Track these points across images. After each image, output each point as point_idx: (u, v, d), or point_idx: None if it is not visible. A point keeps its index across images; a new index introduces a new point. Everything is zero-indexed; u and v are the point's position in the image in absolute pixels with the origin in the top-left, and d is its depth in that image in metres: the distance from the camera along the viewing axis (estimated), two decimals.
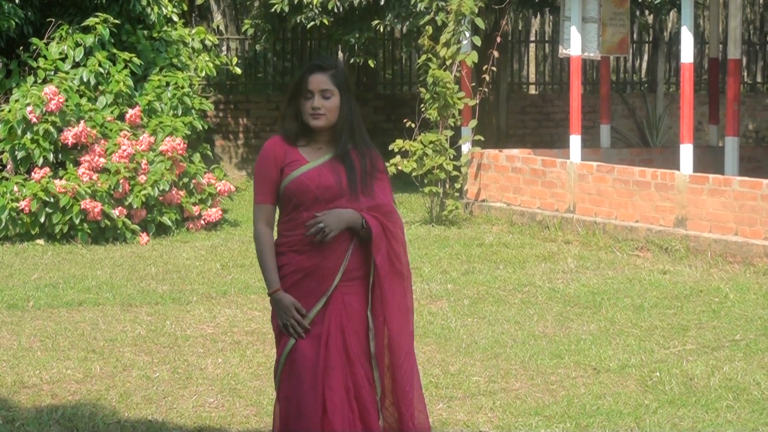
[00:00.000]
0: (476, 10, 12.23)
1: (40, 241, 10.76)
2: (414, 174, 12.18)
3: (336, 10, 14.40)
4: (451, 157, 12.29)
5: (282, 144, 4.36)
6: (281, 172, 4.34)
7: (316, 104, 4.30)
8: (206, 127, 12.65)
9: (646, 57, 20.44)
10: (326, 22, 14.52)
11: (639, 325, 7.74)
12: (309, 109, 4.31)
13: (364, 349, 4.32)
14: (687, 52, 10.98)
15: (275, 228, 4.42)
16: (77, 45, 11.92)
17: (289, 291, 4.31)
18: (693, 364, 6.79)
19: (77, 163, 11.20)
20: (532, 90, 19.81)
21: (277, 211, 4.44)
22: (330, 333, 4.27)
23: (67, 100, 11.24)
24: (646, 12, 19.47)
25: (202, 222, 11.64)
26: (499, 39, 12.93)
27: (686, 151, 10.83)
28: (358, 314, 4.31)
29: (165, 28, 12.84)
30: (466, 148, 12.72)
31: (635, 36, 19.46)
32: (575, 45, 12.09)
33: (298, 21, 14.59)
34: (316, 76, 4.31)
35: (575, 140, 11.93)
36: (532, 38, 20.44)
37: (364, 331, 4.33)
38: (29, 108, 11.07)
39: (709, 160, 12.77)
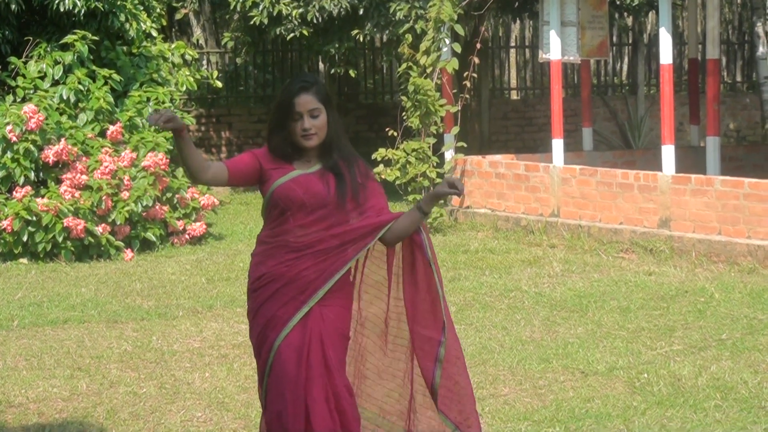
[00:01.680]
0: (455, 17, 12.26)
1: (24, 260, 10.72)
2: (398, 182, 12.19)
3: (315, 21, 14.42)
4: (435, 164, 12.31)
5: (271, 153, 4.37)
6: (260, 172, 4.34)
7: (306, 125, 4.29)
8: None
9: (626, 59, 20.51)
10: (306, 33, 14.53)
11: (626, 327, 7.75)
12: (300, 131, 4.30)
13: (340, 360, 4.34)
14: (666, 54, 11.02)
15: (259, 237, 4.43)
16: (56, 63, 11.90)
17: (269, 300, 4.31)
18: (680, 364, 6.80)
19: (59, 181, 11.17)
20: (514, 95, 19.86)
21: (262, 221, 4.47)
22: (311, 344, 4.28)
23: (47, 118, 11.21)
24: (625, 14, 19.54)
25: (187, 236, 11.61)
26: (479, 45, 12.97)
27: (668, 152, 10.86)
28: (334, 325, 4.33)
29: (144, 43, 12.83)
30: (449, 155, 12.74)
31: (615, 39, 19.54)
32: (555, 49, 12.13)
33: (278, 33, 14.61)
34: (302, 97, 4.29)
35: (558, 144, 11.96)
36: (513, 43, 20.50)
37: (341, 343, 4.35)
38: (9, 127, 11.03)
39: (691, 160, 12.82)
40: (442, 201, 12.47)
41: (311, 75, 4.51)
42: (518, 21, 20.84)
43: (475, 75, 13.07)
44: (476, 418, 4.56)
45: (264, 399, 4.36)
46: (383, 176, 12.08)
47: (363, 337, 4.57)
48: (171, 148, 11.93)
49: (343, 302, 4.37)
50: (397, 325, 4.55)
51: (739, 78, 20.75)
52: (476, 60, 12.74)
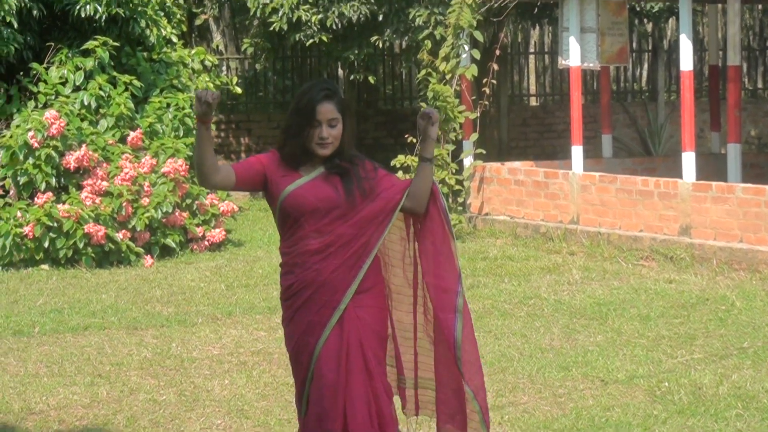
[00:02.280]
0: (474, 24, 12.25)
1: (45, 266, 10.77)
2: None
3: (335, 27, 14.44)
4: (454, 171, 12.30)
5: (278, 157, 4.37)
6: (265, 179, 4.33)
7: (324, 134, 4.29)
8: None
9: (646, 66, 20.46)
10: (325, 39, 14.55)
11: (646, 335, 7.73)
12: (316, 138, 4.30)
13: (380, 362, 4.34)
14: (687, 60, 10.99)
15: (280, 249, 4.43)
16: (77, 69, 11.95)
17: (302, 308, 4.31)
18: (701, 373, 6.77)
19: (80, 187, 11.21)
20: (533, 102, 19.83)
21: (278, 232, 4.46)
22: (350, 347, 4.29)
23: (68, 124, 11.26)
24: (645, 20, 19.51)
25: (206, 243, 11.64)
26: (498, 51, 12.96)
27: (689, 159, 10.82)
28: (371, 327, 4.33)
29: (165, 49, 12.88)
30: (468, 161, 12.73)
31: (634, 45, 19.49)
32: (574, 55, 12.11)
33: (297, 39, 14.63)
34: (324, 106, 4.28)
35: (577, 151, 11.94)
36: (532, 50, 20.48)
37: (379, 345, 4.35)
38: (31, 133, 11.09)
39: (711, 167, 12.77)
40: (461, 208, 12.47)
41: (332, 82, 4.51)
42: (537, 27, 20.82)
43: (494, 81, 13.05)
44: (484, 393, 4.52)
45: (304, 403, 4.35)
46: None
47: (397, 312, 4.56)
48: (191, 154, 11.97)
49: (376, 302, 4.36)
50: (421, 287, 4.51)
51: (760, 84, 20.66)
52: (495, 66, 12.73)
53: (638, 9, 18.73)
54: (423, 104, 12.43)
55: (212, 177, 4.26)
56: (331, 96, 4.31)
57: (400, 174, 12.15)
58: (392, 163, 12.11)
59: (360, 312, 4.31)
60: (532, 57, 20.35)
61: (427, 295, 4.48)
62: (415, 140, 12.34)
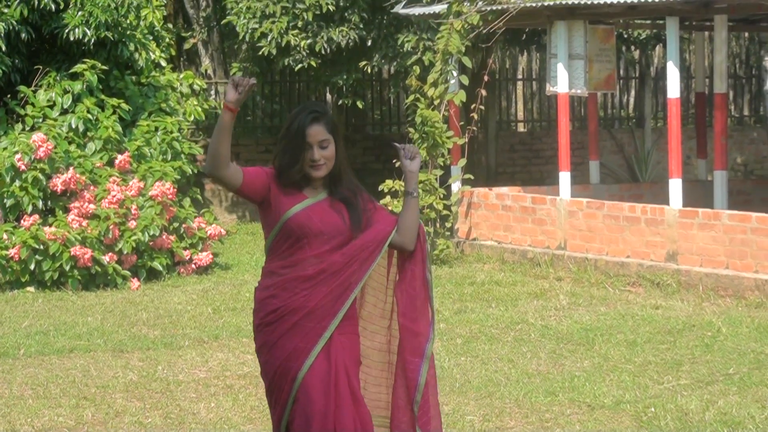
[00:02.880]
0: (463, 50, 12.32)
1: (31, 289, 10.75)
2: None
3: (323, 52, 14.49)
4: (441, 196, 12.33)
5: (277, 176, 4.36)
6: (268, 194, 4.32)
7: (315, 156, 4.31)
8: (196, 171, 12.67)
9: (633, 92, 20.58)
10: (314, 64, 14.60)
11: (633, 361, 7.74)
12: (308, 161, 4.31)
13: (361, 388, 4.34)
14: (673, 87, 11.06)
15: (263, 265, 4.42)
16: (65, 92, 11.97)
17: (288, 333, 4.28)
18: (687, 398, 6.79)
19: (67, 210, 11.21)
20: (521, 128, 19.90)
21: (265, 253, 4.44)
22: (338, 373, 4.28)
23: (55, 147, 11.27)
24: (632, 47, 19.63)
25: (193, 266, 11.64)
26: (486, 78, 13.01)
27: (675, 186, 10.88)
28: (351, 353, 4.34)
29: (153, 73, 12.90)
30: (455, 186, 12.76)
31: (622, 72, 19.61)
32: (562, 82, 12.18)
33: (286, 63, 14.68)
34: (314, 128, 4.30)
35: (565, 177, 11.98)
36: (520, 76, 20.56)
37: (358, 369, 4.36)
38: (18, 156, 11.09)
39: (698, 194, 12.83)
40: (448, 233, 12.48)
41: (320, 104, 4.53)
42: (525, 53, 20.93)
43: (482, 107, 13.10)
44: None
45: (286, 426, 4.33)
46: (390, 207, 12.09)
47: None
48: (178, 177, 11.98)
49: (354, 329, 4.38)
50: (389, 323, 4.51)
51: (746, 112, 20.79)
52: (483, 92, 12.78)
53: (626, 36, 18.85)
54: (411, 129, 12.47)
55: (222, 169, 4.21)
56: (320, 117, 4.33)
57: (387, 199, 12.19)
58: (380, 187, 12.14)
59: (343, 338, 4.32)
60: (520, 83, 20.43)
61: (395, 335, 4.48)
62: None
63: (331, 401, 4.24)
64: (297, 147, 4.30)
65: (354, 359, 4.34)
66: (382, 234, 4.38)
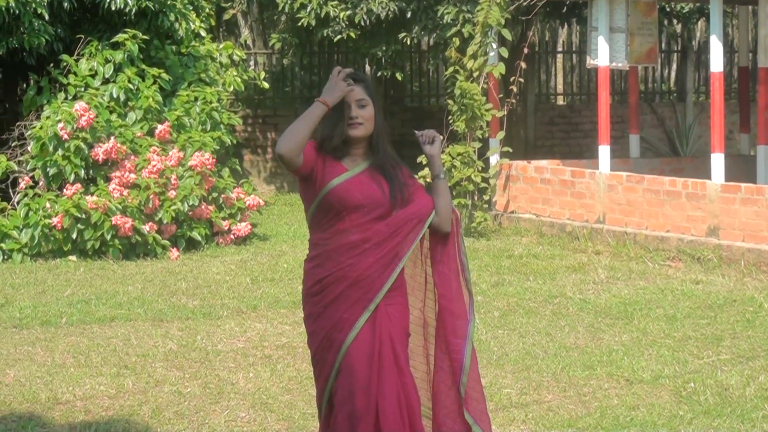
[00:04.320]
0: (503, 22, 12.22)
1: (73, 258, 10.83)
2: None
3: (362, 24, 14.43)
4: (480, 168, 12.28)
5: (319, 147, 4.35)
6: (314, 166, 4.30)
7: (353, 113, 4.31)
8: (235, 141, 12.69)
9: (674, 66, 20.35)
10: (353, 36, 14.55)
11: (672, 336, 7.69)
12: (346, 119, 4.31)
13: (407, 358, 4.33)
14: (717, 61, 10.92)
15: (311, 241, 4.41)
16: (107, 61, 12.00)
17: (333, 303, 4.28)
18: (728, 374, 6.73)
19: (108, 179, 11.26)
20: (560, 101, 19.77)
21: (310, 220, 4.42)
22: (382, 343, 4.27)
23: (97, 117, 11.31)
24: (675, 21, 19.39)
25: (232, 236, 11.67)
26: (526, 50, 12.91)
27: (717, 161, 10.76)
28: (399, 323, 4.32)
29: (193, 43, 12.90)
30: (494, 159, 12.70)
31: (663, 45, 19.39)
32: (603, 55, 12.06)
33: (325, 35, 14.64)
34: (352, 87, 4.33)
35: (604, 150, 11.89)
36: (560, 49, 20.40)
37: (406, 340, 4.34)
38: (60, 125, 11.15)
39: (741, 169, 12.69)
40: (486, 205, 12.43)
41: (360, 72, 4.52)
42: (566, 26, 20.75)
43: (521, 80, 13.01)
44: (488, 420, 4.50)
45: (326, 402, 4.33)
46: (428, 179, 12.05)
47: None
48: (217, 148, 12.00)
49: (402, 299, 4.36)
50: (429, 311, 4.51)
51: None
52: (523, 65, 12.69)
53: (668, 9, 18.62)
54: (450, 101, 12.41)
55: (297, 155, 4.21)
56: (357, 79, 4.35)
57: (426, 170, 12.14)
58: (418, 159, 12.10)
59: (390, 309, 4.31)
60: (559, 56, 20.27)
61: (430, 316, 4.46)
62: (441, 137, 12.32)
63: (374, 373, 4.23)
64: (336, 107, 4.30)
65: (401, 330, 4.32)
66: (425, 209, 4.38)
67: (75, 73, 11.98)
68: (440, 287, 4.43)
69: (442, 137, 4.46)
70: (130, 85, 11.83)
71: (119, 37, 11.98)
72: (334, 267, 4.29)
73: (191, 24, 12.87)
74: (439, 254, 4.45)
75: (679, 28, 19.92)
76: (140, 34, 12.02)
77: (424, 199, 4.39)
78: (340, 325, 4.28)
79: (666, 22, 18.76)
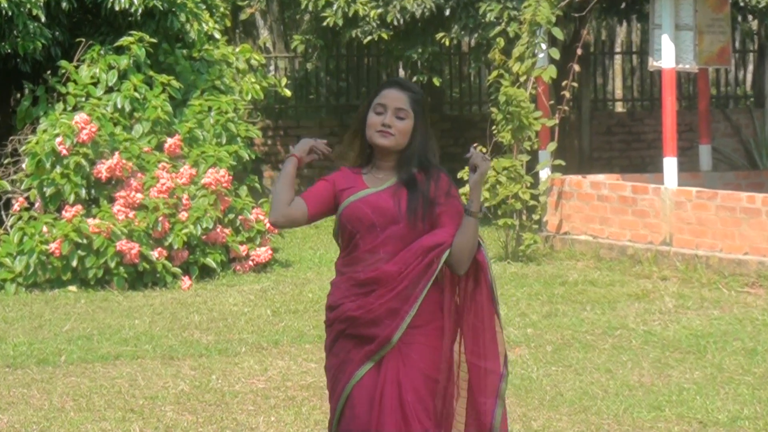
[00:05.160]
0: (553, 19, 12.21)
1: (73, 288, 10.88)
2: (486, 204, 12.16)
3: (396, 23, 14.47)
4: (528, 184, 12.26)
5: (351, 172, 4.40)
6: (335, 197, 4.37)
7: (387, 121, 4.31)
8: (254, 156, 12.75)
9: (750, 68, 20.24)
10: (385, 37, 14.59)
11: (752, 372, 7.63)
12: (377, 125, 4.31)
13: (424, 407, 4.27)
14: None
15: (335, 265, 4.45)
16: (110, 68, 12.09)
17: (341, 338, 4.32)
18: None
19: (112, 200, 11.33)
20: (619, 107, 19.72)
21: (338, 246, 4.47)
22: (385, 387, 4.26)
23: (99, 130, 11.39)
24: (750, 17, 19.29)
25: (251, 263, 11.69)
26: (579, 51, 12.90)
27: None
28: (417, 366, 4.29)
29: (206, 46, 12.99)
30: (544, 174, 12.68)
31: (737, 44, 19.31)
32: (668, 56, 12.02)
33: (354, 36, 14.69)
34: (392, 92, 4.34)
35: (670, 163, 11.84)
36: (618, 49, 20.37)
37: (425, 386, 4.29)
38: (58, 139, 11.23)
39: None
40: (536, 226, 12.39)
41: (413, 84, 4.52)
42: (625, 24, 20.70)
43: (575, 84, 12.99)
44: None
45: None
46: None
47: None
48: (234, 163, 12.04)
49: (428, 339, 4.32)
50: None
51: None
52: (576, 67, 12.68)
53: (742, 4, 18.54)
54: (494, 109, 12.40)
55: (284, 216, 4.33)
56: (404, 88, 4.35)
57: (467, 187, 12.11)
58: (459, 174, 12.08)
59: (406, 349, 4.29)
60: (618, 57, 20.24)
61: (460, 370, 4.43)
62: (484, 149, 12.32)
63: (374, 416, 4.24)
64: (369, 108, 4.33)
65: (419, 374, 4.28)
66: (438, 248, 4.28)
67: (75, 81, 12.08)
68: (468, 341, 4.38)
69: (490, 162, 4.38)
70: (137, 94, 11.91)
71: (124, 40, 12.07)
72: (341, 299, 4.33)
73: (204, 25, 12.96)
74: (466, 301, 4.38)
75: (755, 24, 19.82)
76: (147, 37, 12.11)
77: (443, 232, 4.30)
78: (344, 365, 4.33)
79: (740, 18, 18.67)
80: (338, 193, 4.37)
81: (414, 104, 4.33)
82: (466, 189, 11.96)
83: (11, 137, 12.25)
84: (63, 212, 11.13)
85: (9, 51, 11.84)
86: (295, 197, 4.36)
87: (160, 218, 11.12)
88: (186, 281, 11.08)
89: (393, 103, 4.32)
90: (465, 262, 4.31)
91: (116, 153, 11.35)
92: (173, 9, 12.44)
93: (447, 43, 14.79)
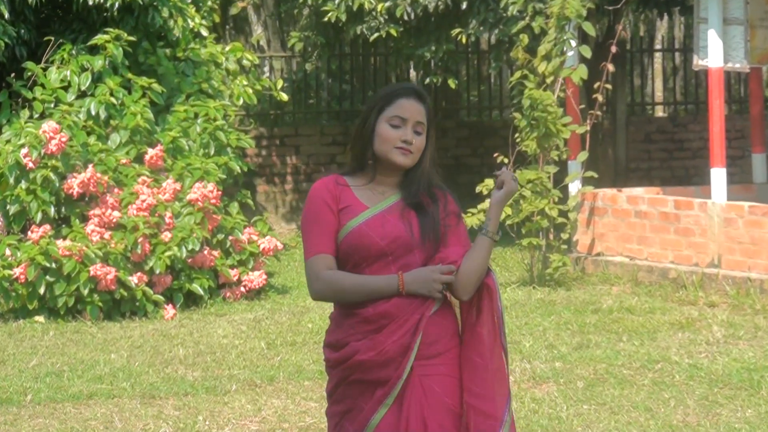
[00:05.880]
0: (584, 13, 12.23)
1: (40, 318, 10.90)
2: (509, 222, 12.16)
3: (406, 18, 14.50)
4: (556, 199, 12.27)
5: (334, 185, 4.36)
6: (338, 217, 4.33)
7: (408, 137, 4.31)
8: (246, 169, 12.78)
9: None
10: (394, 33, 14.62)
11: None
12: (396, 140, 4.31)
13: None
14: None
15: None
16: (83, 69, 12.13)
17: (346, 382, 4.30)
18: None
19: (85, 219, 11.35)
20: (660, 112, 19.73)
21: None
22: (409, 427, 4.24)
23: (71, 140, 11.42)
24: None
25: (242, 289, 11.71)
26: (614, 48, 12.91)
27: None
28: (441, 401, 4.28)
29: (192, 45, 13.03)
30: (574, 187, 12.69)
31: None
32: (715, 54, 12.03)
33: (359, 32, 14.72)
34: (412, 103, 4.33)
35: (718, 174, 11.84)
36: (658, 46, 20.38)
37: (451, 421, 4.29)
38: (24, 150, 11.26)
39: None
40: (565, 246, 12.39)
41: (423, 89, 4.52)
42: (666, 17, 20.72)
43: (608, 86, 13.01)
44: None
45: None
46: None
47: None
48: (223, 177, 12.07)
49: (449, 369, 4.31)
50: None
51: None
52: (610, 67, 12.69)
53: None
54: (516, 115, 12.42)
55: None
56: (422, 98, 4.36)
57: (487, 202, 12.12)
58: (477, 188, 12.10)
59: (427, 381, 4.28)
60: (658, 55, 20.26)
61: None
62: (506, 160, 12.34)
63: None
64: (380, 115, 4.31)
65: (443, 407, 4.28)
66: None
67: (42, 85, 12.12)
68: (466, 378, 4.34)
69: (518, 183, 4.33)
70: (113, 100, 11.95)
71: (99, 38, 12.11)
72: (344, 338, 4.29)
73: (189, 21, 13.01)
74: (466, 332, 4.35)
75: None
76: (125, 35, 12.16)
77: (451, 251, 4.30)
78: (353, 414, 4.30)
79: None
80: (338, 213, 4.34)
81: (429, 116, 4.36)
82: (485, 205, 12.01)
83: None
84: (29, 233, 11.15)
85: None
86: (328, 260, 4.30)
87: (140, 239, 11.14)
88: (169, 310, 11.09)
89: (413, 116, 4.32)
90: (471, 287, 4.31)
91: (90, 166, 11.38)
92: (154, 3, 12.49)
93: (464, 40, 14.82)
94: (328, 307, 10.95)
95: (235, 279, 11.69)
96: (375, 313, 4.25)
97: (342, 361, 4.30)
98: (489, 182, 12.15)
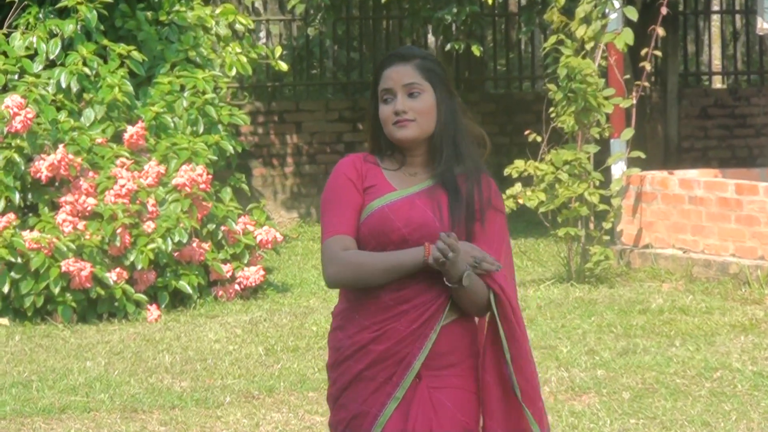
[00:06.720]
0: None
1: (4, 321, 10.93)
2: (542, 210, 12.16)
3: None
4: (597, 184, 12.26)
5: (362, 162, 4.40)
6: (362, 196, 4.36)
7: (399, 107, 4.33)
8: (240, 149, 12.78)
9: None
10: None
11: None
12: (391, 116, 4.34)
13: None
14: None
15: (341, 291, 4.46)
16: (52, 35, 12.14)
17: (352, 385, 4.33)
18: None
19: (55, 207, 11.37)
20: (717, 83, 19.70)
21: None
22: None
23: (38, 116, 11.44)
24: None
25: (237, 287, 11.72)
26: (664, 10, 12.89)
27: None
28: (453, 417, 4.31)
29: (177, 7, 13.02)
30: (618, 170, 12.67)
31: None
32: None
33: None
34: (392, 69, 4.35)
35: None
36: (716, 7, 20.34)
37: None
38: None
39: None
40: (607, 237, 12.39)
41: (417, 47, 4.53)
42: None
43: (657, 53, 12.99)
44: None
45: None
46: (521, 201, 12.05)
47: None
48: (215, 158, 12.08)
49: (464, 382, 4.35)
50: None
51: None
52: (660, 31, 12.67)
53: None
54: (551, 87, 12.41)
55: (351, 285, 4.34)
56: (406, 58, 4.36)
57: (517, 187, 12.15)
58: (506, 171, 12.11)
59: (438, 394, 4.31)
60: (716, 18, 20.22)
61: None
62: (539, 138, 12.33)
63: None
64: (375, 99, 4.37)
65: (456, 424, 4.31)
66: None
67: (5, 54, 12.14)
68: (486, 401, 4.37)
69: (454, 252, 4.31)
70: (87, 70, 11.96)
71: (69, 0, 12.11)
72: (355, 334, 4.32)
73: None
74: (482, 358, 4.37)
75: None
76: None
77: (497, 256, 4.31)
78: (358, 420, 4.33)
79: None
80: (363, 191, 4.37)
81: (426, 73, 4.35)
82: (514, 189, 12.02)
83: None
84: None
85: None
86: (348, 241, 4.31)
87: (119, 230, 11.15)
88: (153, 311, 11.11)
89: (398, 81, 4.33)
90: (472, 312, 4.35)
91: (60, 146, 11.39)
92: None
93: (490, 1, 14.82)
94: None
95: (228, 275, 11.70)
96: (392, 298, 4.28)
97: (351, 354, 4.32)
98: (519, 164, 12.16)
